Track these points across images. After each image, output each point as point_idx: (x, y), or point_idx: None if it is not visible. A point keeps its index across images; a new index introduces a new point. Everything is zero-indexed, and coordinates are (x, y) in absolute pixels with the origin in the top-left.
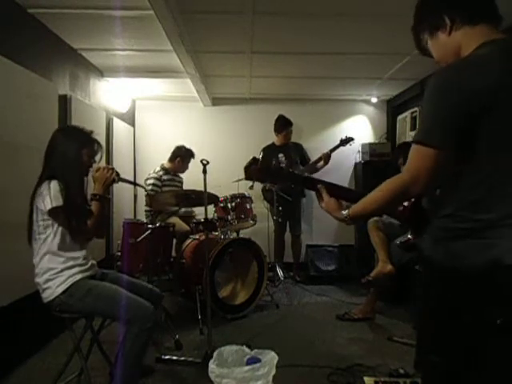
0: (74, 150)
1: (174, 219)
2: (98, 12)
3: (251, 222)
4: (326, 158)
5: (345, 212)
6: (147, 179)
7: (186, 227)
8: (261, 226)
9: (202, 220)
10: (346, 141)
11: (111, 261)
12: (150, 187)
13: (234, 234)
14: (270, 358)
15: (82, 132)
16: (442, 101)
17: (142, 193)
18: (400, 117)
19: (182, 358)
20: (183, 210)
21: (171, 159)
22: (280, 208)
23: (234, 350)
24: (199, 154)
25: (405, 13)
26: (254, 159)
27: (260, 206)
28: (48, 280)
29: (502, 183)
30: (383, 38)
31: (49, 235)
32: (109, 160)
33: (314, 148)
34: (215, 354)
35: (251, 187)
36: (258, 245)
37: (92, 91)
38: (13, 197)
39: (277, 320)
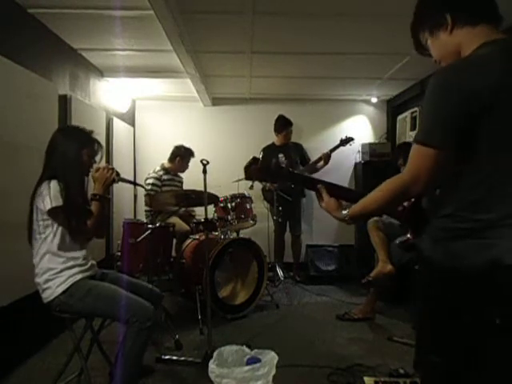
0: (75, 150)
1: (174, 219)
2: (98, 12)
3: (251, 221)
4: (326, 158)
5: (345, 212)
6: (147, 179)
7: (186, 227)
8: (261, 226)
9: (202, 220)
10: (346, 141)
11: (111, 261)
12: (149, 187)
13: (234, 234)
14: (270, 358)
15: (82, 132)
16: (443, 101)
17: (141, 193)
18: (400, 117)
19: (182, 358)
20: (183, 208)
21: (171, 159)
22: (280, 208)
23: (234, 349)
24: (199, 154)
25: (405, 13)
26: (254, 159)
27: (260, 206)
28: (48, 280)
29: (502, 183)
30: (383, 37)
31: (48, 235)
32: (109, 160)
33: (314, 148)
34: (215, 354)
35: (251, 187)
36: (257, 245)
37: (92, 91)
38: (13, 197)
39: (277, 320)
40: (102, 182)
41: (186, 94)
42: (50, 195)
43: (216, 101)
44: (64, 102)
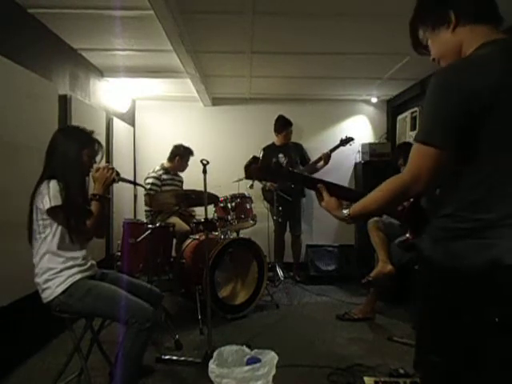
0: (75, 151)
1: (174, 219)
2: (98, 12)
3: (251, 221)
4: (326, 158)
5: (345, 211)
6: (147, 178)
7: (186, 227)
8: (261, 226)
9: (202, 220)
10: (346, 141)
11: (111, 261)
12: (149, 186)
13: (234, 234)
14: (270, 358)
15: (82, 132)
16: (443, 100)
17: (141, 193)
18: (400, 117)
19: (182, 358)
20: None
21: (170, 158)
22: (280, 208)
23: (234, 349)
24: (199, 154)
25: (405, 13)
26: (255, 158)
27: (260, 206)
28: (47, 280)
29: (502, 183)
30: (383, 37)
31: (48, 235)
32: (109, 160)
33: (314, 148)
34: (215, 354)
35: (251, 186)
36: (257, 245)
37: (92, 91)
38: (13, 197)
39: (277, 320)
40: (102, 182)
41: (186, 94)
42: (50, 195)
43: (216, 101)
44: (64, 102)
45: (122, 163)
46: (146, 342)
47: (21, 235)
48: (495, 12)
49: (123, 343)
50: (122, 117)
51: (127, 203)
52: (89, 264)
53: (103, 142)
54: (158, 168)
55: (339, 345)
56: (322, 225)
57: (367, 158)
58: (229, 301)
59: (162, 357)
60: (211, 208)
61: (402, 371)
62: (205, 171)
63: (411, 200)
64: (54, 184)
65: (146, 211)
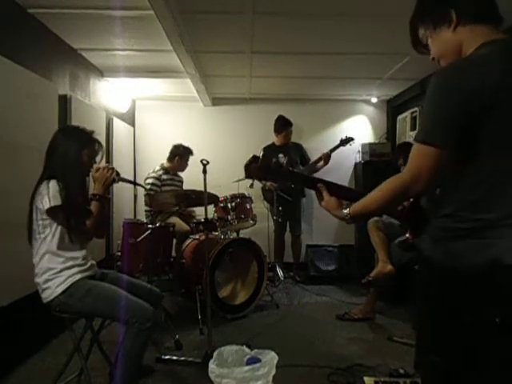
0: (75, 151)
1: (174, 219)
2: (98, 12)
3: (251, 222)
4: (326, 158)
5: (345, 211)
6: (147, 178)
7: (186, 227)
8: (261, 226)
9: (202, 220)
10: (346, 141)
11: (111, 261)
12: (149, 186)
13: (234, 234)
14: (270, 358)
15: (82, 132)
16: (443, 100)
17: (141, 193)
18: (400, 117)
19: (182, 358)
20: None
21: (170, 158)
22: (280, 208)
23: (234, 349)
24: (199, 154)
25: (405, 13)
26: (255, 157)
27: (260, 206)
28: (47, 280)
29: (502, 183)
30: (383, 37)
31: (48, 235)
32: (109, 160)
33: (314, 148)
34: (215, 354)
35: (251, 186)
36: (258, 245)
37: (92, 91)
38: (13, 197)
39: (277, 320)
40: (102, 182)
41: (186, 94)
42: (49, 195)
43: (216, 101)
44: (64, 102)
45: (122, 163)
46: (146, 342)
47: (21, 235)
48: (495, 12)
49: (123, 343)
50: (121, 117)
51: (127, 203)
52: (89, 264)
53: (103, 142)
54: (157, 168)
55: (339, 345)
56: (322, 225)
57: (367, 158)
58: (229, 301)
59: (162, 357)
60: (211, 208)
61: (402, 371)
62: (205, 171)
63: (411, 200)
64: (53, 184)
65: (145, 211)
